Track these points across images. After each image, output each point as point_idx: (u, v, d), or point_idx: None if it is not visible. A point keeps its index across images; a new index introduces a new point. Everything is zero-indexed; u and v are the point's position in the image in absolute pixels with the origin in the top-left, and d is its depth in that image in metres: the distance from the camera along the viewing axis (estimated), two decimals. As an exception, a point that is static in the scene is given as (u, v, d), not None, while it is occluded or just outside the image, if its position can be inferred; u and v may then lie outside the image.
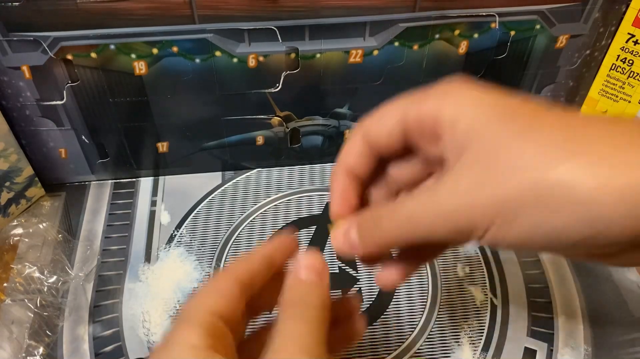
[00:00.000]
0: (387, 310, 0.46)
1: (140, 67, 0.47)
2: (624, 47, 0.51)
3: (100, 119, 0.50)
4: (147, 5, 0.43)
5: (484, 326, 0.45)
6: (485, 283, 0.48)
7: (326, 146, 0.57)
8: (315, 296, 0.24)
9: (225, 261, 0.50)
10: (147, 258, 0.50)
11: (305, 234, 0.52)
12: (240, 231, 0.52)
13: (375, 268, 0.29)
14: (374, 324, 0.45)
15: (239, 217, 0.53)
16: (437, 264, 0.49)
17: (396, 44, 0.48)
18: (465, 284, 0.48)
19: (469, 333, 0.45)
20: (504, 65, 0.52)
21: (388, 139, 0.25)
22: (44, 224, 0.51)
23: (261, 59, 0.48)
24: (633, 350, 0.44)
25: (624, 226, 0.18)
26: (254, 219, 0.53)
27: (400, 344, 0.44)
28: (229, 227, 0.52)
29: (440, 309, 0.46)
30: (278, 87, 0.50)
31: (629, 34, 0.50)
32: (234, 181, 0.57)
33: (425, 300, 0.47)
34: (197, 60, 0.47)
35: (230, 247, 0.51)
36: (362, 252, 0.26)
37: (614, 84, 0.53)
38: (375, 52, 0.49)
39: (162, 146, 0.54)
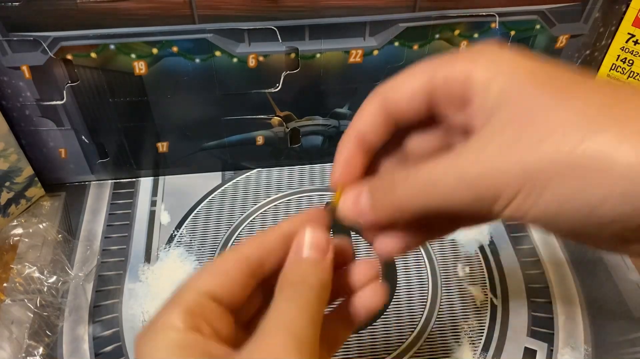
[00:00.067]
0: (387, 310, 0.46)
1: (140, 67, 0.47)
2: (624, 47, 0.51)
3: (100, 119, 0.50)
4: (147, 5, 0.43)
5: (484, 326, 0.45)
6: (486, 282, 0.48)
7: (326, 146, 0.57)
8: (314, 275, 0.23)
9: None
10: (147, 258, 0.50)
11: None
12: (240, 231, 0.52)
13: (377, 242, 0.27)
14: (374, 324, 0.45)
15: (239, 217, 0.53)
16: (437, 264, 0.49)
17: (396, 44, 0.48)
18: (465, 284, 0.48)
19: (469, 333, 0.45)
20: (504, 65, 0.52)
21: (410, 104, 0.23)
22: (44, 224, 0.51)
23: (261, 59, 0.48)
24: (633, 350, 0.44)
25: None
26: (254, 219, 0.53)
27: (400, 344, 0.44)
28: (229, 227, 0.52)
29: (441, 309, 0.46)
30: (278, 87, 0.50)
31: (629, 34, 0.51)
32: (234, 181, 0.57)
33: (426, 300, 0.47)
34: (197, 60, 0.47)
35: (230, 247, 0.51)
36: (371, 220, 0.24)
37: (614, 84, 0.53)
38: (375, 52, 0.49)
39: (162, 146, 0.54)
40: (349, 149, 0.25)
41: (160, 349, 0.20)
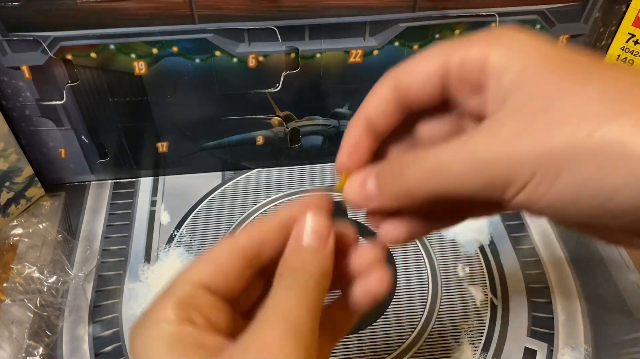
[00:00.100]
0: (387, 310, 0.46)
1: (140, 67, 0.47)
2: (624, 47, 0.51)
3: (100, 119, 0.50)
4: (147, 5, 0.43)
5: (484, 326, 0.45)
6: (486, 283, 0.48)
7: (326, 146, 0.57)
8: (314, 263, 0.22)
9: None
10: (147, 258, 0.50)
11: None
12: (240, 231, 0.52)
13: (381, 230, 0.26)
14: (374, 324, 0.45)
15: (239, 217, 0.53)
16: (437, 264, 0.49)
17: (396, 44, 0.48)
18: (465, 284, 0.48)
19: (469, 333, 0.45)
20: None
21: (423, 88, 0.23)
22: (44, 224, 0.51)
23: (261, 58, 0.48)
24: (633, 350, 0.44)
25: None
26: (254, 219, 0.53)
27: (400, 344, 0.44)
28: (229, 227, 0.52)
29: (441, 309, 0.46)
30: (278, 87, 0.50)
31: (629, 34, 0.51)
32: (234, 181, 0.57)
33: (426, 300, 0.47)
34: (197, 60, 0.47)
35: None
36: (378, 204, 0.23)
37: (614, 84, 0.53)
38: (375, 52, 0.49)
39: (162, 146, 0.54)
40: (357, 132, 0.25)
41: (152, 342, 0.20)
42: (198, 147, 0.55)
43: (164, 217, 0.53)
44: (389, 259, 0.49)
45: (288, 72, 0.49)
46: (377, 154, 0.25)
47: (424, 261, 0.50)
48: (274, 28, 0.46)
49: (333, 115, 0.54)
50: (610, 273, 0.49)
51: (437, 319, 0.45)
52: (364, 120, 0.24)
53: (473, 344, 0.44)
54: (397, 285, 0.48)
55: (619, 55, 0.52)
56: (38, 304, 0.45)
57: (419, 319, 0.45)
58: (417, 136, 0.26)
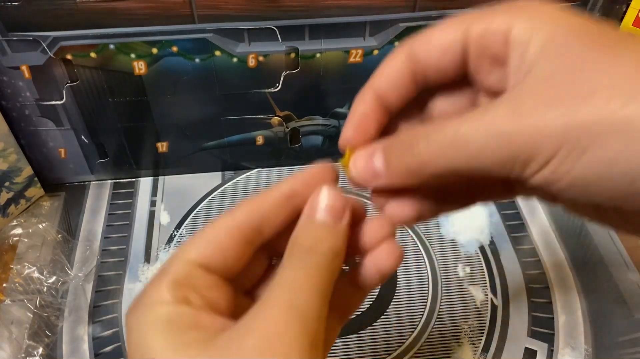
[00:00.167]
0: (388, 310, 0.46)
1: (139, 67, 0.47)
2: (624, 47, 0.51)
3: (99, 119, 0.50)
4: (147, 5, 0.43)
5: (485, 326, 0.45)
6: (486, 283, 0.48)
7: (326, 146, 0.57)
8: (327, 242, 0.21)
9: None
10: (147, 258, 0.50)
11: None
12: (240, 231, 0.52)
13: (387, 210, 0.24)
14: (374, 324, 0.45)
15: (239, 217, 0.53)
16: (437, 264, 0.49)
17: (396, 43, 0.48)
18: (465, 284, 0.48)
19: (470, 333, 0.45)
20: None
21: (441, 59, 0.21)
22: (44, 224, 0.51)
23: (261, 58, 0.48)
24: (633, 350, 0.43)
25: None
26: (253, 219, 0.53)
27: (400, 344, 0.44)
28: (229, 227, 0.52)
29: (441, 310, 0.46)
30: (278, 87, 0.50)
31: (629, 33, 0.50)
32: (234, 181, 0.57)
33: (426, 300, 0.47)
34: (197, 60, 0.47)
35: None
36: (386, 182, 0.22)
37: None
38: (375, 52, 0.48)
39: (162, 146, 0.54)
40: (366, 106, 0.23)
41: (148, 325, 0.19)
42: (198, 147, 0.55)
43: (163, 218, 0.53)
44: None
45: (288, 72, 0.49)
46: (385, 131, 0.24)
47: (424, 261, 0.50)
48: (274, 28, 0.45)
49: (333, 115, 0.54)
50: (611, 273, 0.49)
51: (437, 320, 0.45)
52: (374, 93, 0.23)
53: (473, 344, 0.44)
54: (397, 285, 0.48)
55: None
56: (38, 305, 0.45)
57: (419, 319, 0.45)
58: (429, 112, 0.24)
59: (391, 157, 0.21)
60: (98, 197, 0.55)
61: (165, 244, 0.51)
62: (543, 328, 0.45)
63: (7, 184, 0.50)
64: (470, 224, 0.53)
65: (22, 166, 0.51)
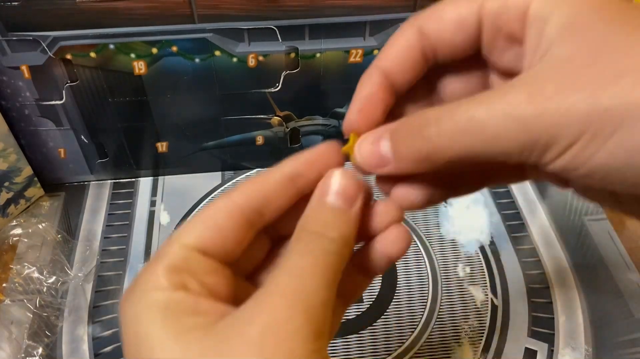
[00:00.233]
0: (388, 310, 0.46)
1: (139, 67, 0.47)
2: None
3: (99, 119, 0.50)
4: (147, 4, 0.43)
5: (485, 326, 0.45)
6: (486, 283, 0.48)
7: (326, 146, 0.57)
8: (337, 228, 0.20)
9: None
10: (147, 258, 0.50)
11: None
12: (240, 231, 0.52)
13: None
14: (374, 324, 0.45)
15: (239, 217, 0.53)
16: (437, 264, 0.49)
17: (396, 43, 0.48)
18: (465, 285, 0.48)
19: (470, 333, 0.44)
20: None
21: (454, 36, 0.20)
22: (43, 224, 0.51)
23: (261, 58, 0.47)
24: (634, 350, 0.43)
25: None
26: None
27: (400, 344, 0.44)
28: (229, 227, 0.52)
29: (441, 310, 0.46)
30: (278, 87, 0.50)
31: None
32: (233, 181, 0.57)
33: (426, 300, 0.47)
34: (197, 60, 0.47)
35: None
36: (393, 169, 0.20)
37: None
38: (376, 52, 0.48)
39: (162, 146, 0.54)
40: (372, 86, 0.21)
41: (143, 312, 0.18)
42: (198, 147, 0.55)
43: (163, 218, 0.53)
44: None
45: (288, 72, 0.49)
46: (390, 115, 0.22)
47: (424, 261, 0.49)
48: (274, 28, 0.45)
49: (333, 115, 0.54)
50: (611, 273, 0.49)
51: (438, 320, 0.45)
52: (381, 72, 0.21)
53: (473, 344, 0.44)
54: (398, 285, 0.48)
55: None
56: (37, 305, 0.45)
57: (419, 319, 0.45)
58: (438, 94, 0.23)
59: (399, 143, 0.20)
60: (98, 197, 0.55)
61: (165, 244, 0.51)
62: (543, 328, 0.45)
63: (6, 184, 0.50)
64: (471, 224, 0.52)
65: (22, 166, 0.51)
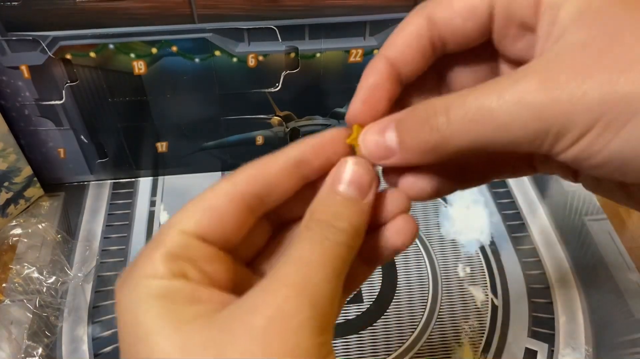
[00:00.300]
0: (388, 310, 0.46)
1: (139, 67, 0.47)
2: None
3: (99, 119, 0.50)
4: (147, 4, 0.43)
5: (485, 326, 0.45)
6: (486, 283, 0.48)
7: (326, 146, 0.57)
8: (348, 219, 0.19)
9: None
10: (147, 258, 0.49)
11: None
12: (240, 231, 0.52)
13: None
14: (375, 324, 0.45)
15: (239, 217, 0.53)
16: (437, 264, 0.49)
17: (396, 43, 0.48)
18: (465, 285, 0.48)
19: (470, 333, 0.44)
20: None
21: (465, 24, 0.19)
22: (43, 225, 0.51)
23: (261, 58, 0.47)
24: (634, 350, 0.43)
25: None
26: (253, 219, 0.53)
27: (400, 344, 0.44)
28: (229, 227, 0.52)
29: (441, 310, 0.46)
30: (278, 86, 0.50)
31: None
32: (233, 181, 0.57)
33: (426, 300, 0.47)
34: (197, 60, 0.47)
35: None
36: (400, 160, 0.20)
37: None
38: (376, 52, 0.48)
39: (162, 146, 0.54)
40: (377, 76, 0.21)
41: (140, 301, 0.17)
42: (198, 147, 0.55)
43: (163, 218, 0.53)
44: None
45: (288, 72, 0.49)
46: (395, 106, 0.22)
47: (425, 261, 0.49)
48: (274, 27, 0.45)
49: (333, 115, 0.54)
50: (611, 273, 0.49)
51: (438, 320, 0.45)
52: (387, 61, 0.21)
53: (473, 344, 0.44)
54: (398, 285, 0.48)
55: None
56: (37, 305, 0.45)
57: (419, 319, 0.45)
58: (445, 85, 0.23)
59: (405, 133, 0.19)
60: (97, 197, 0.55)
61: (165, 245, 0.51)
62: (543, 328, 0.45)
63: (6, 184, 0.50)
64: (471, 224, 0.52)
65: (22, 166, 0.51)
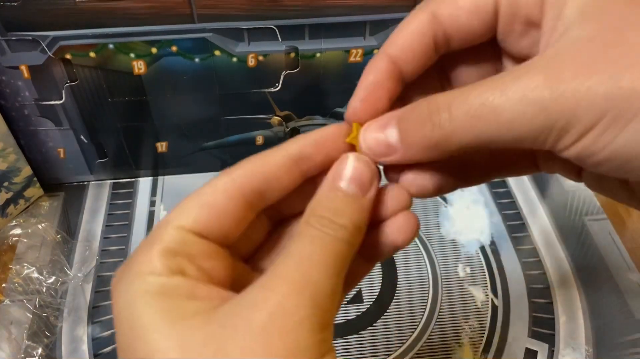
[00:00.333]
0: (388, 310, 0.46)
1: (139, 67, 0.47)
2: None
3: (99, 119, 0.50)
4: (146, 4, 0.43)
5: (485, 326, 0.45)
6: (486, 283, 0.48)
7: (326, 146, 0.56)
8: (349, 216, 0.19)
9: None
10: (147, 259, 0.49)
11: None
12: (240, 231, 0.52)
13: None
14: (375, 324, 0.45)
15: (239, 217, 0.53)
16: (437, 264, 0.49)
17: (396, 43, 0.48)
18: (466, 285, 0.48)
19: (470, 333, 0.44)
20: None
21: (469, 21, 0.19)
22: (43, 225, 0.51)
23: (261, 58, 0.47)
24: (634, 351, 0.43)
25: None
26: (253, 219, 0.53)
27: (401, 344, 0.44)
28: (229, 227, 0.52)
29: (441, 310, 0.46)
30: (278, 86, 0.50)
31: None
32: (233, 181, 0.57)
33: (426, 300, 0.47)
34: (197, 60, 0.47)
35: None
36: (401, 157, 0.20)
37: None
38: (376, 52, 0.48)
39: (161, 146, 0.54)
40: (378, 74, 0.20)
41: (137, 299, 0.17)
42: (197, 147, 0.55)
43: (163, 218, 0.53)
44: (389, 259, 0.49)
45: (288, 71, 0.49)
46: (396, 104, 0.21)
47: (425, 261, 0.49)
48: (274, 27, 0.45)
49: (333, 115, 0.54)
50: (611, 273, 0.49)
51: (438, 320, 0.45)
52: (388, 59, 0.20)
53: (474, 344, 0.44)
54: (398, 285, 0.48)
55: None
56: (37, 305, 0.45)
57: (419, 319, 0.45)
58: (448, 83, 0.22)
59: (407, 130, 0.19)
60: (97, 197, 0.55)
61: (165, 245, 0.51)
62: (544, 328, 0.45)
63: (6, 184, 0.50)
64: (471, 225, 0.52)
65: (21, 166, 0.51)
